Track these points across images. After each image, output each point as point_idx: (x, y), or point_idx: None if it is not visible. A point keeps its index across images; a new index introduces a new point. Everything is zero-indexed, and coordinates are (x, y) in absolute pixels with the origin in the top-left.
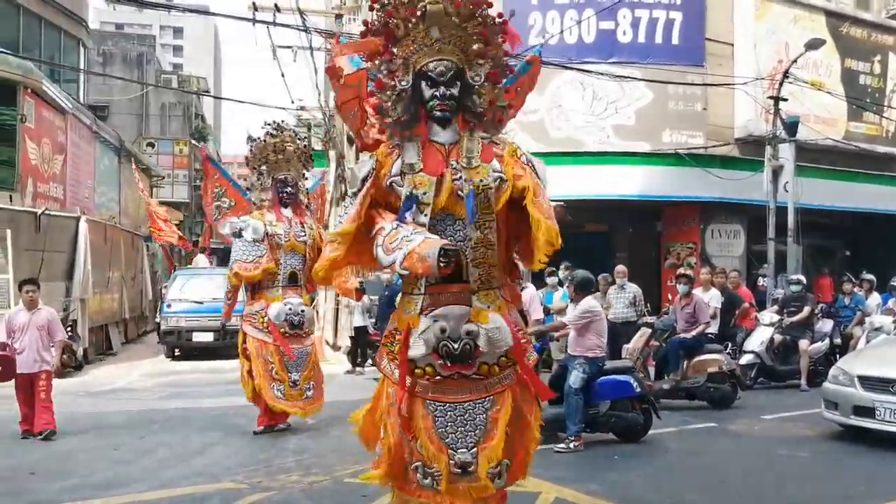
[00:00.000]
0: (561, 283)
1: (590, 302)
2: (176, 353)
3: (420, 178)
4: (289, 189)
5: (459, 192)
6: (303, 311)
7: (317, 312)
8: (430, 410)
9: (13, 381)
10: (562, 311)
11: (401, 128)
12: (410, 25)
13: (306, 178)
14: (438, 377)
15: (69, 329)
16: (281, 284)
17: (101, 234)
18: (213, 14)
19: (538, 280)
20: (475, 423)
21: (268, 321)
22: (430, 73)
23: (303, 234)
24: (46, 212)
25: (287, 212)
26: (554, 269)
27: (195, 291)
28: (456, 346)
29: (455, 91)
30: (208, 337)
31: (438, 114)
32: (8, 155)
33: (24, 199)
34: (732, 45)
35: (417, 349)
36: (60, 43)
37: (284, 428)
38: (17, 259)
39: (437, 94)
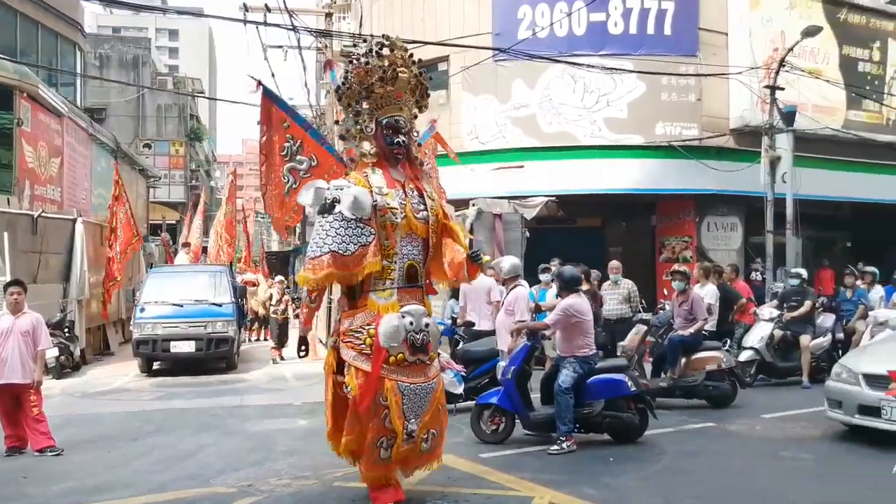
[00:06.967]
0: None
1: (570, 300)
2: (153, 367)
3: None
4: (401, 138)
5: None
6: (427, 324)
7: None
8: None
9: None
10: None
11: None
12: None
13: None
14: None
15: (66, 330)
16: (396, 285)
17: (97, 235)
18: (206, 16)
19: (532, 277)
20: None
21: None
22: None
23: (422, 207)
24: (43, 214)
25: (397, 173)
26: (548, 265)
27: (174, 293)
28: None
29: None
30: (189, 347)
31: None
32: (5, 158)
33: (22, 202)
34: (726, 34)
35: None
36: (57, 47)
37: None
38: (15, 261)
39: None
